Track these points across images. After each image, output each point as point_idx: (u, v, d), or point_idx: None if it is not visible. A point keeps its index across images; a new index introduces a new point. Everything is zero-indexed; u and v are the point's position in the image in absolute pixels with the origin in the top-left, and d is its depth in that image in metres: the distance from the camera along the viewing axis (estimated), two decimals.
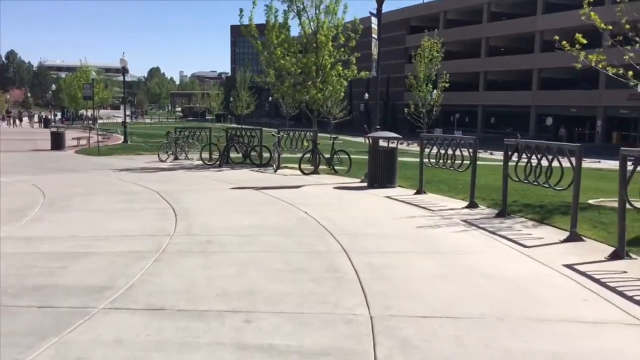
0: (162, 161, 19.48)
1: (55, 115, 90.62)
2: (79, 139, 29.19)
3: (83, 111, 77.09)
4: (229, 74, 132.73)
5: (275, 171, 16.02)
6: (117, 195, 11.06)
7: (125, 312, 4.55)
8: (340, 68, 18.44)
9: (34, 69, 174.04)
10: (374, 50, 13.87)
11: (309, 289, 5.11)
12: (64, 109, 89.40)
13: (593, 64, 9.15)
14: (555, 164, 7.71)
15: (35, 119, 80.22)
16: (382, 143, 12.86)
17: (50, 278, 5.46)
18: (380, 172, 12.48)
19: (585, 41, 9.11)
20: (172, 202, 10.06)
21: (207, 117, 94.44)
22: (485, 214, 9.10)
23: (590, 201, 10.06)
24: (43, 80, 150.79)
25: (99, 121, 73.82)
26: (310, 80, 18.42)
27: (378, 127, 13.56)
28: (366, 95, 64.99)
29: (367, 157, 13.16)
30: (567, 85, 55.31)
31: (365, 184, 12.94)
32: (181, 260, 6.14)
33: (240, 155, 18.46)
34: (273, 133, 17.03)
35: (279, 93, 19.42)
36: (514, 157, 8.88)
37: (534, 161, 8.12)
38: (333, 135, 16.30)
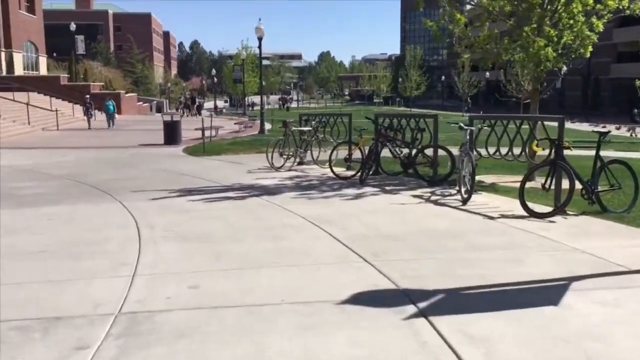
0: (274, 169, 12.17)
1: (225, 102, 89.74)
2: (203, 129, 23.22)
3: (253, 98, 73.84)
4: (399, 55, 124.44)
5: (465, 202, 7.78)
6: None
7: None
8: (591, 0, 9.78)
9: (214, 57, 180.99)
10: None
11: None
12: (230, 96, 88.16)
13: None
14: None
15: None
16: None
17: None
18: None
19: None
20: None
21: (374, 100, 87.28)
22: None
23: None
24: (219, 69, 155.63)
25: (256, 107, 70.23)
26: (530, 23, 9.94)
27: None
28: (564, 67, 52.56)
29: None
30: None
31: None
32: None
33: (397, 159, 10.54)
34: (461, 124, 8.54)
35: (467, 52, 11.11)
36: None
37: None
38: (599, 129, 7.26)
